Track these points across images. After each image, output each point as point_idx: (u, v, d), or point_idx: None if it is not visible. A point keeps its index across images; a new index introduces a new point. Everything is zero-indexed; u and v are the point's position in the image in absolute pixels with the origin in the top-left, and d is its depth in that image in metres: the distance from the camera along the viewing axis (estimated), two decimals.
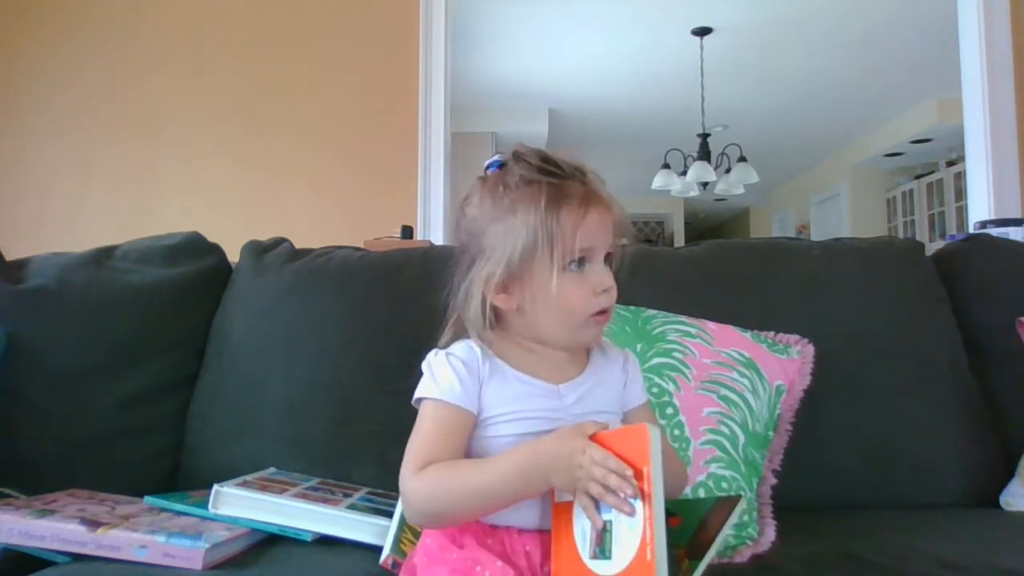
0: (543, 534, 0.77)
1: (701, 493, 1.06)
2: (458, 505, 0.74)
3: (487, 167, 0.84)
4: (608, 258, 0.82)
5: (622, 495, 0.66)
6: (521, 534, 0.77)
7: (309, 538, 0.98)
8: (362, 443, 1.25)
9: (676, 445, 1.09)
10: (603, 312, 0.82)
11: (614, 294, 0.81)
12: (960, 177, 5.98)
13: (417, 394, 0.82)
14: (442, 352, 0.83)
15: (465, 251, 0.84)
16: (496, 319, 0.84)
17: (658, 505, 0.65)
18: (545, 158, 0.81)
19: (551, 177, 0.79)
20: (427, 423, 0.80)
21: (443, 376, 0.81)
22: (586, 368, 0.86)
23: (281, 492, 1.03)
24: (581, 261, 0.80)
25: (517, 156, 0.82)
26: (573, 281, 0.79)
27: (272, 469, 1.22)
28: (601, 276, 0.80)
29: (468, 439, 0.80)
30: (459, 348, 0.83)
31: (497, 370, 0.82)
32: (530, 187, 0.79)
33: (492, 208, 0.81)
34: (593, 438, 0.71)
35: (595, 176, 0.83)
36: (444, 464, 0.76)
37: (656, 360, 1.17)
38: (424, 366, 0.83)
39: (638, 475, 0.66)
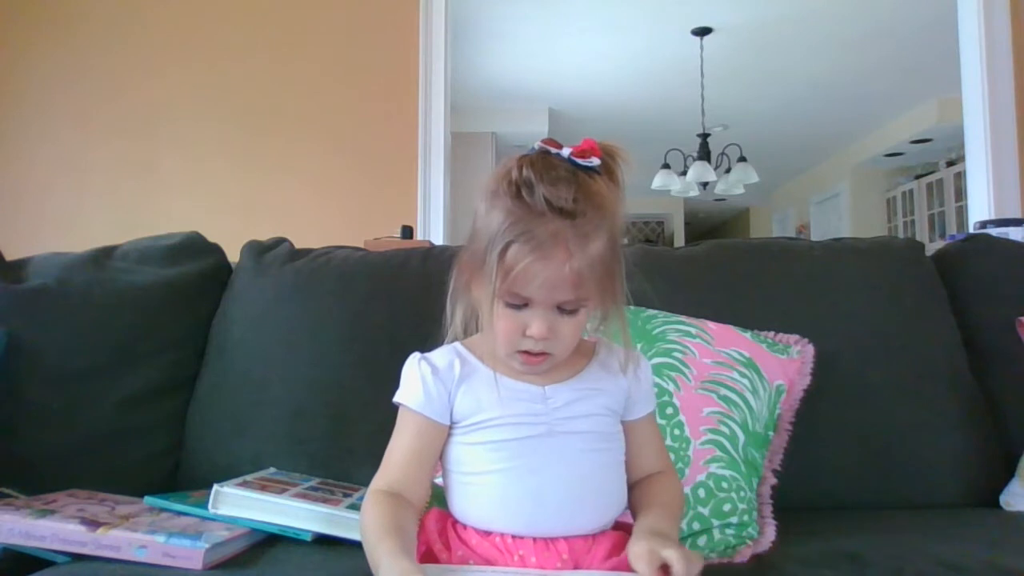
0: (537, 541, 0.77)
1: (701, 493, 1.06)
2: (365, 546, 0.74)
3: (529, 149, 0.78)
4: (574, 304, 0.75)
5: None
6: (515, 540, 0.77)
7: (309, 538, 0.98)
8: (362, 443, 1.25)
9: (676, 445, 1.09)
10: (531, 353, 0.77)
11: (557, 345, 0.77)
12: (960, 177, 5.98)
13: (395, 397, 0.83)
14: (417, 355, 0.84)
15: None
16: None
17: None
18: (528, 183, 0.73)
19: (519, 204, 0.72)
20: (397, 432, 0.82)
21: (410, 382, 0.82)
22: (583, 370, 0.84)
23: (281, 492, 1.03)
24: (522, 305, 0.75)
25: (520, 165, 0.75)
26: (508, 314, 0.75)
27: (272, 469, 1.22)
28: (534, 322, 0.74)
29: (438, 446, 0.81)
30: (438, 351, 0.84)
31: (475, 372, 0.81)
32: (501, 204, 0.73)
33: (482, 200, 0.77)
34: None
35: (595, 218, 0.73)
36: (376, 498, 0.77)
37: (656, 360, 1.17)
38: (404, 368, 0.84)
39: None
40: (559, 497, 0.78)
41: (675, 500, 0.86)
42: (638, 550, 0.71)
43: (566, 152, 0.76)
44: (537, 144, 0.77)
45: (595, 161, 0.76)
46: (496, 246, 0.72)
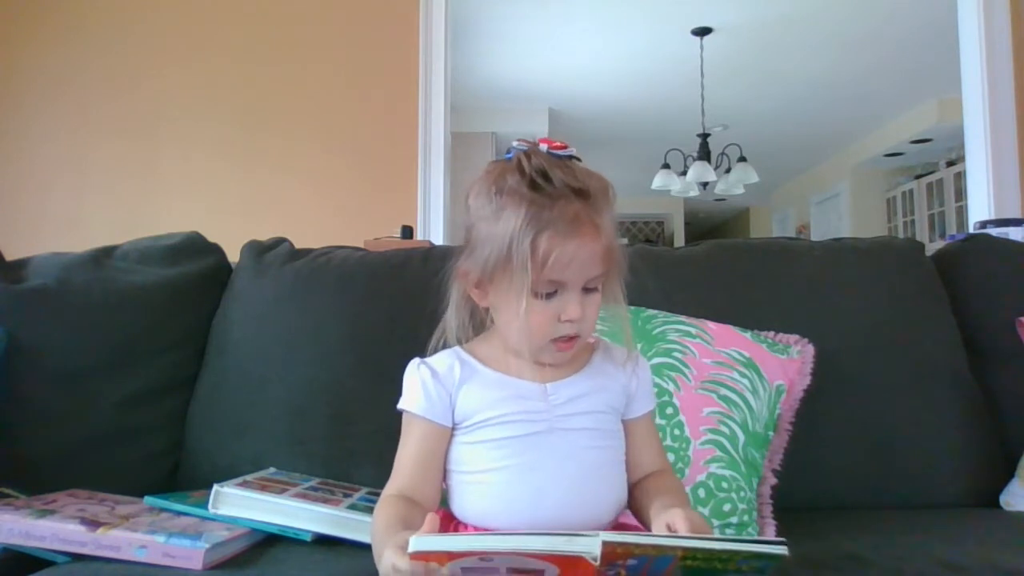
0: None
1: (701, 493, 1.06)
2: (374, 550, 0.75)
3: (506, 152, 0.81)
4: (597, 280, 0.78)
5: None
6: None
7: (309, 538, 0.98)
8: (362, 443, 1.25)
9: (676, 445, 1.09)
10: (566, 339, 0.79)
11: (585, 325, 0.78)
12: (960, 177, 5.98)
13: (399, 404, 0.83)
14: (416, 360, 0.84)
15: (465, 238, 0.83)
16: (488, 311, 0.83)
17: (506, 545, 0.61)
18: (542, 171, 0.75)
19: (539, 194, 0.74)
20: (403, 438, 0.83)
21: (411, 387, 0.83)
22: (584, 367, 0.85)
23: (281, 492, 1.03)
24: (552, 293, 0.76)
25: (527, 157, 0.77)
26: (540, 305, 0.76)
27: (272, 469, 1.22)
28: (569, 306, 0.76)
29: (443, 448, 0.82)
30: (437, 355, 0.84)
31: (475, 374, 0.82)
32: (517, 199, 0.75)
33: (483, 206, 0.78)
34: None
35: (601, 196, 0.78)
36: (387, 502, 0.78)
37: (656, 360, 1.17)
38: (405, 374, 0.84)
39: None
40: (559, 494, 0.78)
41: (681, 492, 0.87)
42: (661, 521, 0.73)
43: (544, 148, 0.79)
44: (520, 144, 0.79)
45: (572, 150, 0.80)
46: (524, 240, 0.73)
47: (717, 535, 0.72)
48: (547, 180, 0.75)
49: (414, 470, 0.80)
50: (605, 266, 0.78)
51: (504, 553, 0.61)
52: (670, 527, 0.71)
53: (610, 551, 0.59)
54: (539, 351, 0.80)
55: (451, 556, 0.61)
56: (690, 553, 0.61)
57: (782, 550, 0.63)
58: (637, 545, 0.61)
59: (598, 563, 0.59)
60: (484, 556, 0.61)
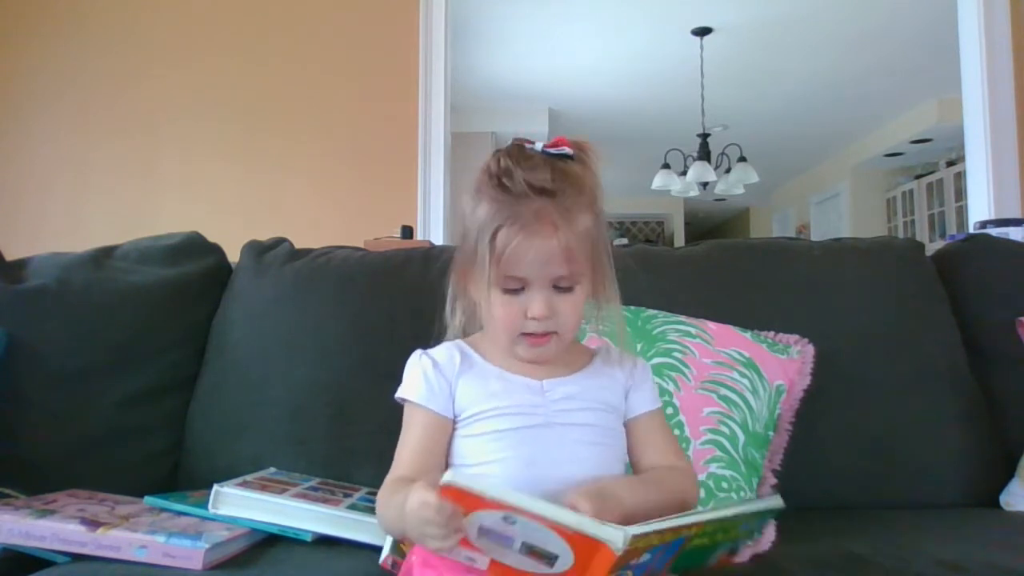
0: None
1: (701, 493, 1.06)
2: (392, 530, 0.76)
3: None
4: (569, 279, 0.78)
5: (440, 540, 0.62)
6: None
7: (309, 538, 0.98)
8: (362, 443, 1.25)
9: None
10: (539, 335, 0.79)
11: (561, 323, 0.79)
12: (960, 177, 5.98)
13: (398, 392, 0.84)
14: (419, 351, 0.85)
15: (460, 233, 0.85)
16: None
17: (538, 508, 0.61)
18: (507, 171, 0.77)
19: (504, 193, 0.76)
20: (404, 429, 0.83)
21: (412, 376, 0.84)
22: (582, 368, 0.85)
23: (281, 492, 1.03)
24: (519, 289, 0.77)
25: (497, 158, 0.79)
26: (506, 300, 0.78)
27: (272, 469, 1.22)
28: (532, 303, 0.77)
29: (444, 439, 0.82)
30: (439, 347, 0.85)
31: (475, 366, 0.83)
32: (488, 197, 0.77)
33: (467, 202, 0.81)
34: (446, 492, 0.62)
35: (573, 195, 0.77)
36: (392, 486, 0.78)
37: (656, 360, 1.17)
38: (406, 365, 0.86)
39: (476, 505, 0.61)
40: (556, 488, 0.78)
41: (666, 483, 0.83)
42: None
43: (539, 146, 0.80)
44: (516, 141, 0.81)
45: (566, 149, 0.80)
46: (485, 235, 0.76)
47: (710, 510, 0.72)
48: (511, 179, 0.76)
49: (414, 460, 0.81)
50: (573, 266, 0.77)
51: (532, 515, 0.60)
52: (572, 508, 0.69)
53: (632, 547, 0.59)
54: (511, 344, 0.81)
55: (480, 503, 0.61)
56: (701, 529, 0.62)
57: (777, 502, 0.69)
58: (658, 532, 0.61)
59: (620, 554, 0.59)
60: (509, 515, 0.61)
